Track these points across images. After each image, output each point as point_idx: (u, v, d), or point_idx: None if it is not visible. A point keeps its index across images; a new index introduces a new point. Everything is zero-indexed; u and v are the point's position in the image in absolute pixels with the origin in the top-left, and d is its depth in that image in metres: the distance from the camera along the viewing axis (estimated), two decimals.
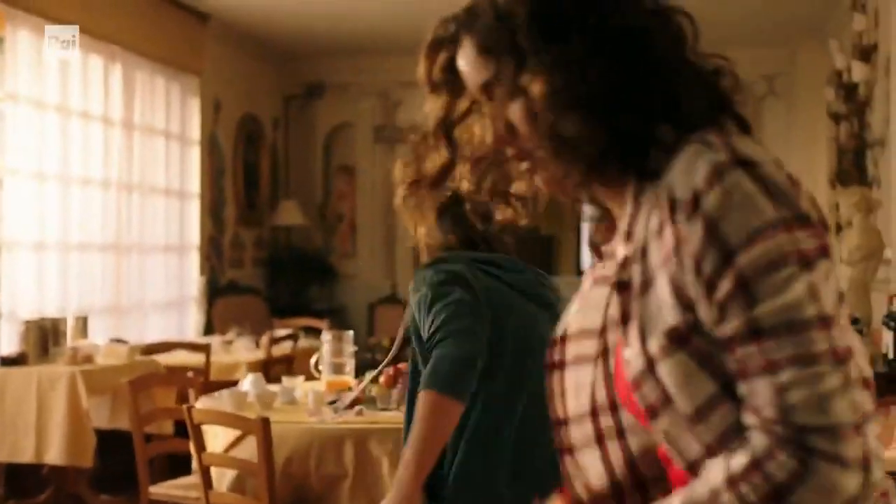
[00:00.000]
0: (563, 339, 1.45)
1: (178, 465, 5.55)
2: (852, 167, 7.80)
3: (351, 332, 4.83)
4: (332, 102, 11.28)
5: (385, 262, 11.28)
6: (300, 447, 3.95)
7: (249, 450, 3.99)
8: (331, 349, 4.71)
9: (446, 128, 1.55)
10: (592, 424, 1.37)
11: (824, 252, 1.22)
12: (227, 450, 4.11)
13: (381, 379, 4.37)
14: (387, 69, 10.92)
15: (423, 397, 2.61)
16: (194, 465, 4.21)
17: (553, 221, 17.54)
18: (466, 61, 1.47)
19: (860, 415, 1.18)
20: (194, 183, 9.29)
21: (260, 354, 7.29)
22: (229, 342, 7.69)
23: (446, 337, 2.65)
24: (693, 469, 1.27)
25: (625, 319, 1.30)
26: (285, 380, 4.84)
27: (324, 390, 4.47)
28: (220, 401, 4.46)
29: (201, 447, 4.04)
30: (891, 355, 5.06)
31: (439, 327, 2.67)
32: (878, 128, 7.30)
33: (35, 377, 5.82)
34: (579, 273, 17.66)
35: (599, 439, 1.37)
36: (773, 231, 1.20)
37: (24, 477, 6.21)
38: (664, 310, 1.25)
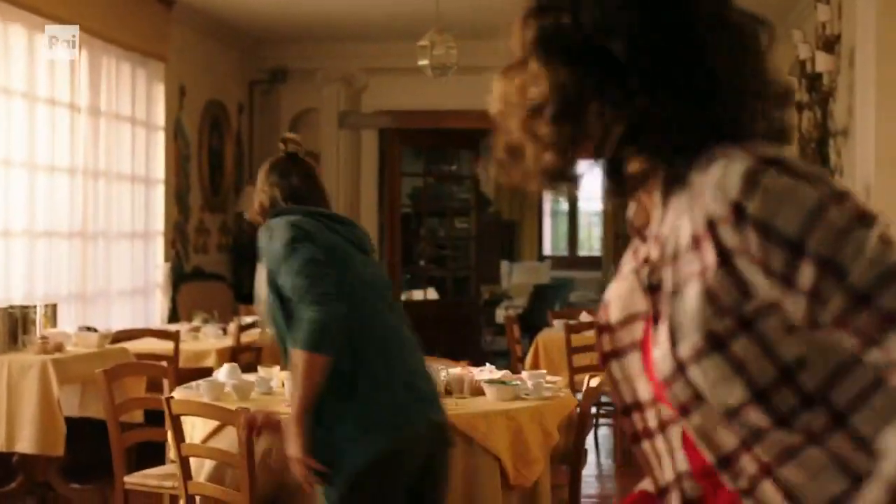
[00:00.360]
0: (611, 327, 1.48)
1: (146, 454, 5.55)
2: (815, 156, 7.89)
3: None
4: (296, 88, 11.24)
5: None
6: (279, 438, 3.96)
7: (227, 440, 4.01)
8: None
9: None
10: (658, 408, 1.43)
11: (873, 212, 1.26)
12: (205, 440, 4.13)
13: None
14: (352, 55, 10.91)
15: (298, 356, 3.14)
16: (173, 455, 4.22)
17: (515, 207, 17.61)
18: None
19: None
20: (160, 169, 9.24)
21: (228, 342, 7.28)
22: (197, 329, 7.66)
23: (311, 302, 3.14)
24: (723, 464, 1.31)
25: (655, 320, 1.34)
26: (262, 370, 4.85)
27: None
28: (197, 391, 4.47)
29: (181, 438, 4.05)
30: None
31: (304, 293, 3.16)
32: (841, 118, 7.40)
33: (5, 366, 5.78)
34: (541, 258, 17.76)
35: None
36: (825, 209, 1.24)
37: None
38: (693, 317, 1.29)
